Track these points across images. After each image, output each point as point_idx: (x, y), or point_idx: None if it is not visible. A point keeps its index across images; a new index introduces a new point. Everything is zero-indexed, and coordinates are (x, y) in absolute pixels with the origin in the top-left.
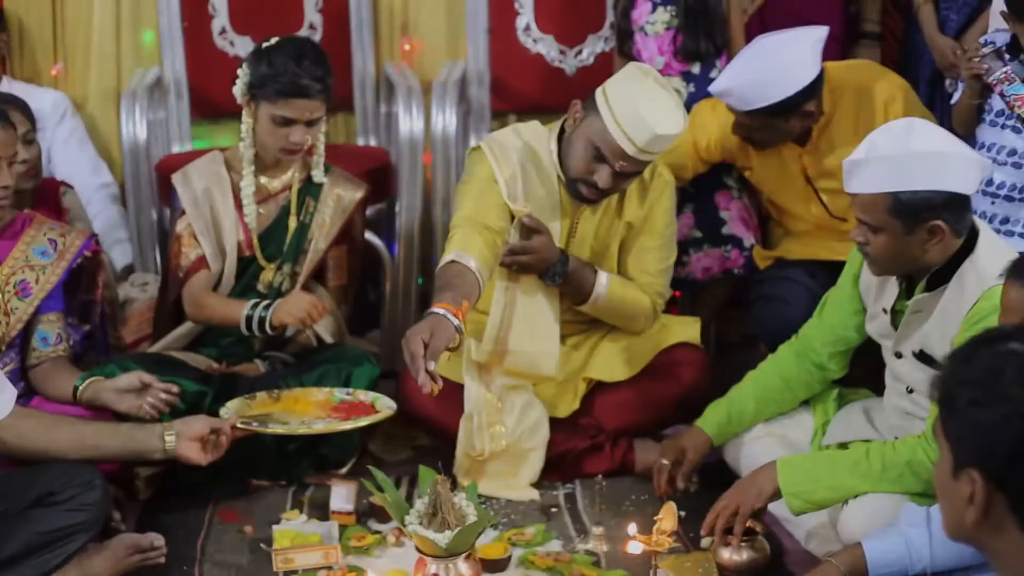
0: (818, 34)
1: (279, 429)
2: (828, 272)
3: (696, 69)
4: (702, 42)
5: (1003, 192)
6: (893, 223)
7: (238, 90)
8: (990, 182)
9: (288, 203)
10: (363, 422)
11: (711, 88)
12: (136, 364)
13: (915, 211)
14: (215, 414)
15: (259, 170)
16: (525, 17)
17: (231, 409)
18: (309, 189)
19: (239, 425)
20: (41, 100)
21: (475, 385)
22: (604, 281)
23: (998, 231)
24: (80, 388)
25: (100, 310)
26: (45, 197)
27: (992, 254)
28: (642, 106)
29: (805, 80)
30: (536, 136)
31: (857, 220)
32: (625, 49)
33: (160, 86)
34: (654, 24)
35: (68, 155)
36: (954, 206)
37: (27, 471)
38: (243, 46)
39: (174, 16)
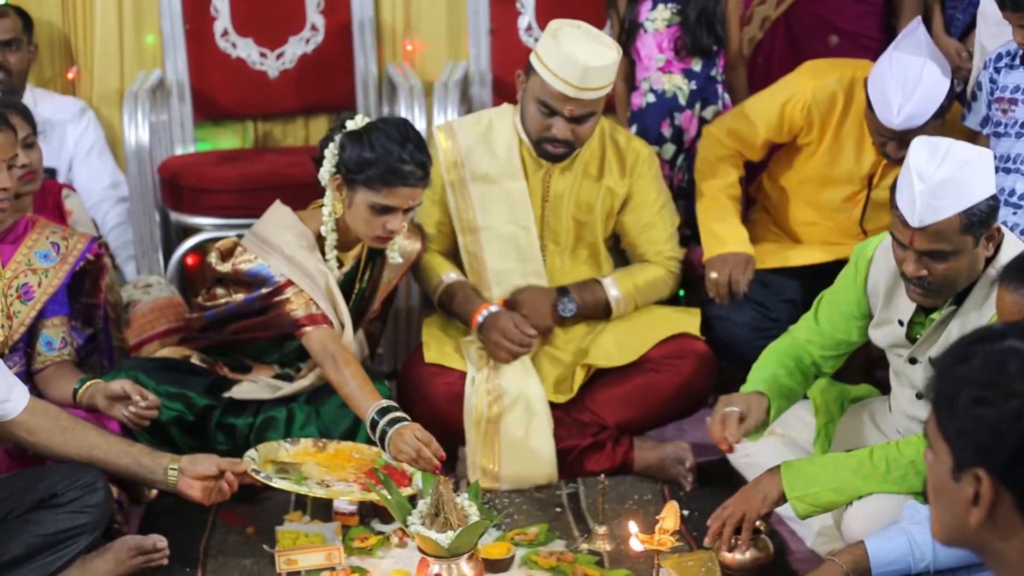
0: None
1: (283, 485)
2: (787, 277)
3: (697, 66)
4: (704, 37)
5: None
6: (965, 241)
7: (326, 171)
8: (1012, 192)
9: (352, 269)
10: (368, 497)
11: (903, 120)
12: (144, 373)
13: (984, 221)
14: (226, 427)
15: (339, 248)
16: (527, 17)
17: (262, 452)
18: (372, 253)
19: (249, 472)
20: (64, 108)
21: (474, 350)
22: (612, 284)
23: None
24: (79, 391)
25: (103, 313)
26: (47, 201)
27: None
28: (568, 48)
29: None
30: (499, 112)
31: (918, 256)
32: (627, 47)
33: (162, 88)
34: (654, 21)
35: (89, 167)
36: (998, 205)
37: (30, 473)
38: (245, 48)
39: (176, 18)
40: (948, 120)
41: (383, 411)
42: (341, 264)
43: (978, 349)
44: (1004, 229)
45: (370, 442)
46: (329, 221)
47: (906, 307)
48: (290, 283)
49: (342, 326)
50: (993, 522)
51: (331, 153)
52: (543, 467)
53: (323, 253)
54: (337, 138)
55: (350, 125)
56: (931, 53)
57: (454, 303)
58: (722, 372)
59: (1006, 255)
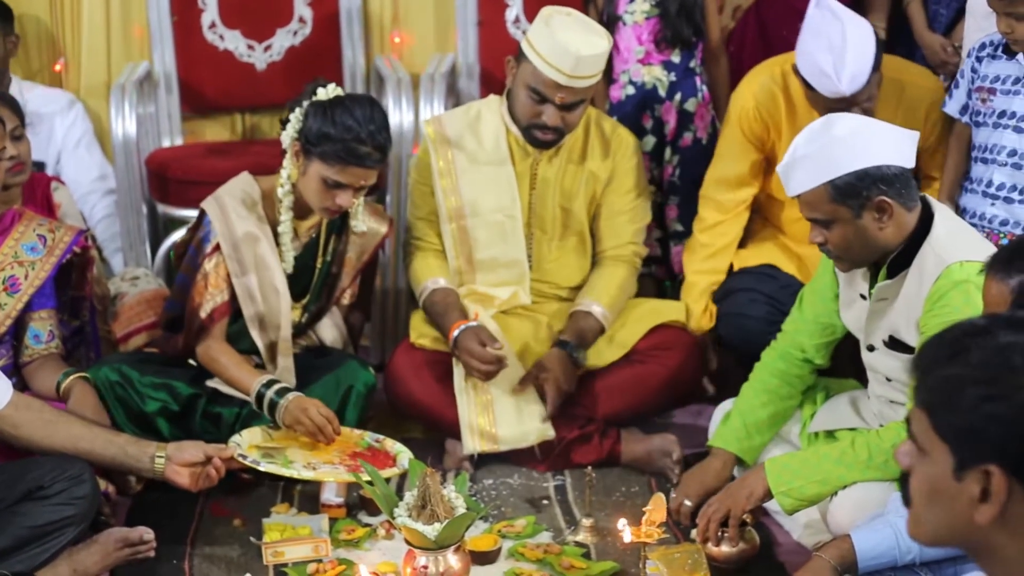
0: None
1: (271, 468)
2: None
3: (677, 58)
4: (684, 28)
5: (1003, 193)
6: (841, 211)
7: (288, 136)
8: (990, 183)
9: (311, 240)
10: (356, 478)
11: (846, 83)
12: (129, 365)
13: (855, 192)
14: (212, 416)
15: (295, 213)
16: (515, 9)
17: (246, 438)
18: (335, 226)
19: (236, 457)
20: (51, 101)
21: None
22: (598, 309)
23: (998, 232)
24: (63, 385)
25: (90, 306)
26: (36, 193)
27: (949, 234)
28: (560, 36)
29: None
30: (486, 102)
31: (810, 223)
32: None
33: (150, 80)
34: (633, 14)
35: (77, 159)
36: (892, 179)
37: (16, 465)
38: (233, 40)
39: (163, 10)
40: (931, 103)
41: (268, 383)
42: (296, 232)
43: (970, 344)
44: (935, 203)
45: (359, 425)
46: (286, 184)
47: (863, 282)
48: (217, 249)
49: (277, 291)
50: (1004, 518)
51: (296, 119)
52: (536, 422)
53: (276, 214)
54: (305, 104)
55: (320, 94)
56: (843, 14)
57: (435, 313)
58: (707, 365)
59: (939, 229)
